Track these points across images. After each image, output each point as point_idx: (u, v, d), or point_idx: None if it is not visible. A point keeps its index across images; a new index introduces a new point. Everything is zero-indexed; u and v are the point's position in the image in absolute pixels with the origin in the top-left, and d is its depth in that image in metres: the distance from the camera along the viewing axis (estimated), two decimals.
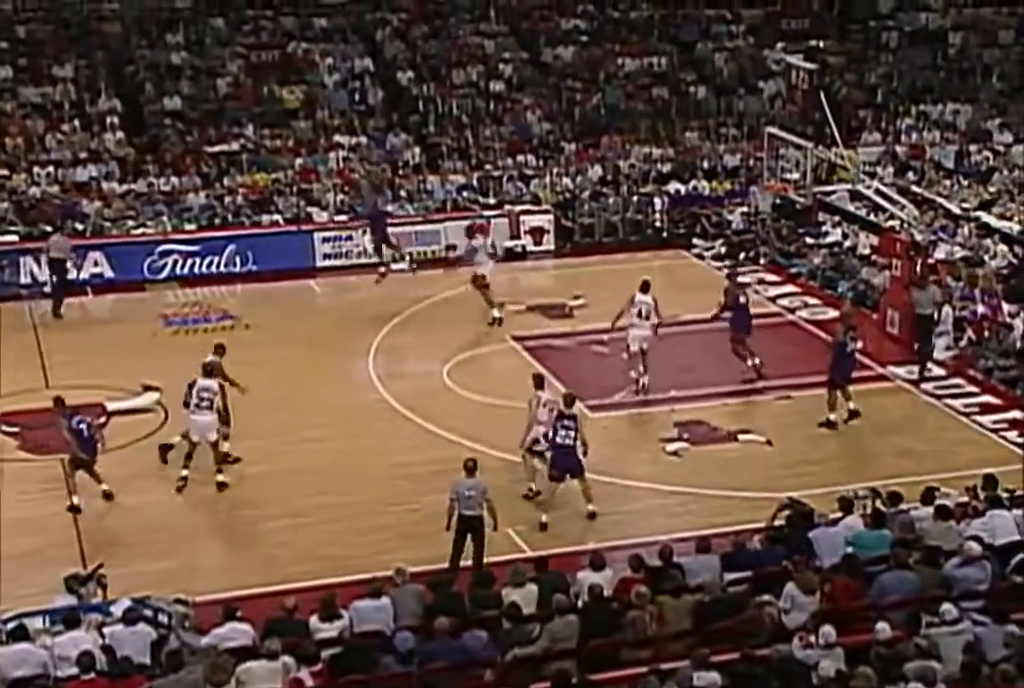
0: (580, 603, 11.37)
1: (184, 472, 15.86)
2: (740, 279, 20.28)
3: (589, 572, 11.77)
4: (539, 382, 15.74)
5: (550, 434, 14.86)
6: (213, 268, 24.57)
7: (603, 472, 15.99)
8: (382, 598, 11.43)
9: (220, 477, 15.88)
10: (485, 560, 13.54)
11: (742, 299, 19.20)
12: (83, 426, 15.42)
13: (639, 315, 18.25)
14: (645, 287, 18.41)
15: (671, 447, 16.81)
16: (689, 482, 15.78)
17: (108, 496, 15.53)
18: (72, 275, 23.29)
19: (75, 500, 15.30)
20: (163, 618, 11.32)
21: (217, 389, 15.88)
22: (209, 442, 15.90)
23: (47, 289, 23.11)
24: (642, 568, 11.79)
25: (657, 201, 27.18)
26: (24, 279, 23.71)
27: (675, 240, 26.39)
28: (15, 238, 24.42)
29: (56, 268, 22.68)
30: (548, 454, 15.06)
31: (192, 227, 25.40)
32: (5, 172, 26.13)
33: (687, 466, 16.37)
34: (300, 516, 15.09)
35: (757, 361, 18.94)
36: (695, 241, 26.21)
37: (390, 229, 23.79)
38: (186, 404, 15.88)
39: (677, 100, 31.03)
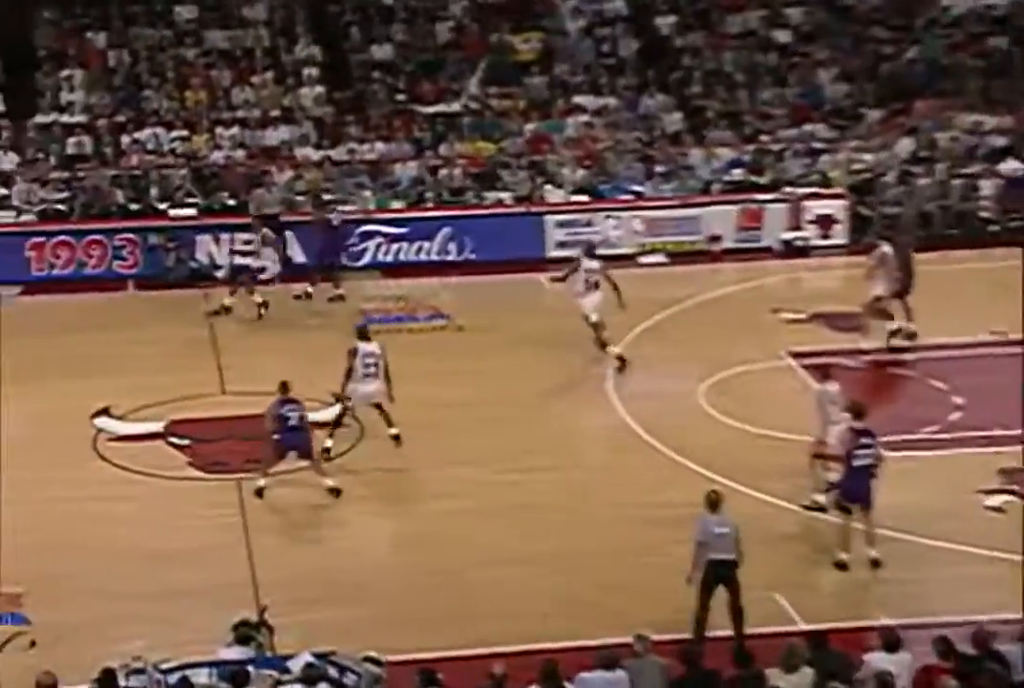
0: None
1: (328, 442, 17.63)
2: None
3: (880, 654, 11.57)
4: (825, 374, 16.59)
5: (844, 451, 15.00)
6: (423, 255, 25.21)
7: (901, 528, 15.68)
8: (616, 670, 11.49)
9: (393, 431, 17.60)
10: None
11: None
12: (292, 414, 16.56)
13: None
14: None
15: (992, 500, 16.41)
16: (1016, 546, 15.25)
17: (335, 491, 16.70)
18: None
19: (262, 483, 16.68)
20: (350, 679, 11.60)
21: (380, 352, 17.53)
22: (373, 404, 17.64)
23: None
24: (951, 654, 11.49)
25: (986, 184, 26.59)
26: (201, 260, 24.76)
27: (1008, 236, 25.65)
28: (192, 211, 25.51)
29: (274, 227, 23.63)
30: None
31: (400, 205, 26.08)
32: (184, 133, 27.32)
33: (1013, 525, 15.83)
34: (517, 564, 15.22)
35: None
36: None
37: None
38: (348, 374, 17.43)
39: (1020, 52, 30.13)
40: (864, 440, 14.97)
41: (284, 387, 16.73)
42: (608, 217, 25.56)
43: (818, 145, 27.86)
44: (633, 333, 21.56)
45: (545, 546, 15.56)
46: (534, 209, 25.80)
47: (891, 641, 11.69)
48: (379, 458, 17.49)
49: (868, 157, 27.40)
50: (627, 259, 25.18)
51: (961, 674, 11.03)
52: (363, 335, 17.84)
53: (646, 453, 17.79)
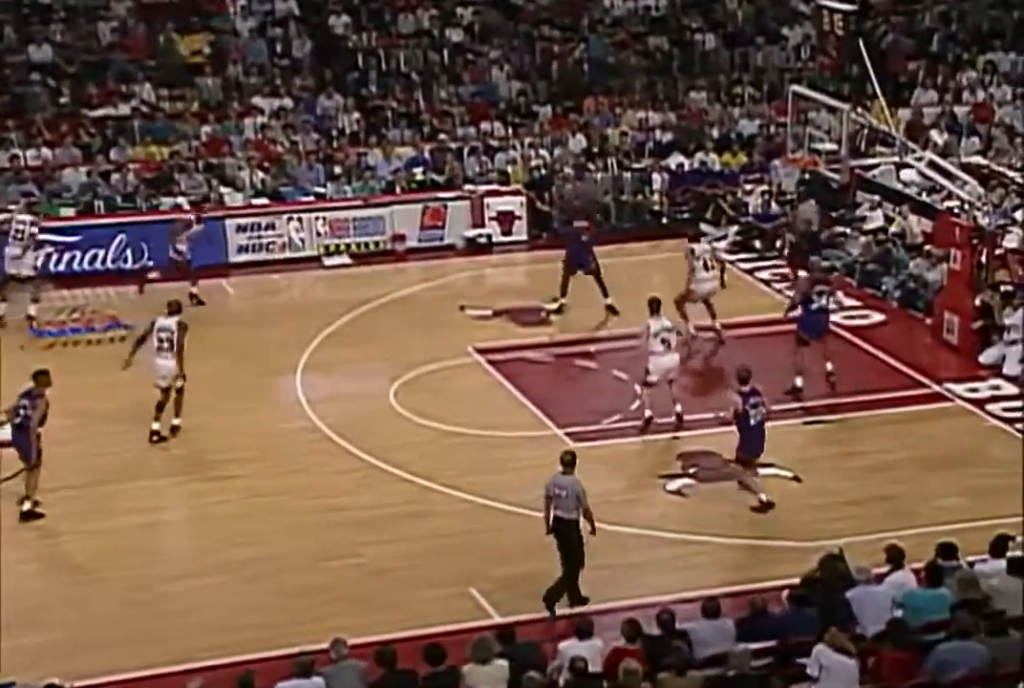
0: (562, 681, 11.43)
1: (156, 425, 18.02)
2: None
3: (572, 642, 11.89)
4: (654, 307, 18.04)
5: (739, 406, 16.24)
6: (97, 264, 24.56)
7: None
8: (313, 677, 11.48)
9: (176, 421, 18.25)
10: (441, 629, 13.55)
11: None
12: (20, 413, 16.31)
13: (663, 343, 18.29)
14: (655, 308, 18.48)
15: (673, 485, 16.92)
16: (696, 528, 15.87)
17: (31, 515, 16.35)
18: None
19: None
20: None
21: (176, 329, 18.06)
22: (161, 388, 18.02)
23: None
24: (638, 637, 11.86)
25: (656, 178, 27.39)
26: None
27: (678, 227, 26.49)
28: None
29: None
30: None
31: (70, 212, 25.38)
32: None
33: (694, 508, 16.47)
34: (209, 575, 15.08)
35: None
36: (703, 228, 26.28)
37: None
38: (141, 342, 18.19)
39: (679, 52, 31.24)
40: (752, 400, 16.22)
41: (40, 377, 16.58)
42: (290, 220, 25.43)
43: (495, 143, 28.31)
44: (321, 336, 21.54)
45: (239, 555, 15.43)
46: (213, 213, 25.44)
47: (582, 628, 12.02)
48: (61, 475, 16.97)
49: (543, 153, 27.98)
50: (311, 261, 25.17)
51: (647, 655, 11.41)
52: (171, 309, 18.35)
53: (337, 456, 17.79)
